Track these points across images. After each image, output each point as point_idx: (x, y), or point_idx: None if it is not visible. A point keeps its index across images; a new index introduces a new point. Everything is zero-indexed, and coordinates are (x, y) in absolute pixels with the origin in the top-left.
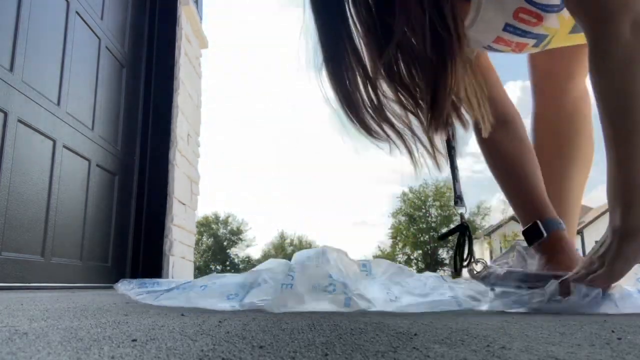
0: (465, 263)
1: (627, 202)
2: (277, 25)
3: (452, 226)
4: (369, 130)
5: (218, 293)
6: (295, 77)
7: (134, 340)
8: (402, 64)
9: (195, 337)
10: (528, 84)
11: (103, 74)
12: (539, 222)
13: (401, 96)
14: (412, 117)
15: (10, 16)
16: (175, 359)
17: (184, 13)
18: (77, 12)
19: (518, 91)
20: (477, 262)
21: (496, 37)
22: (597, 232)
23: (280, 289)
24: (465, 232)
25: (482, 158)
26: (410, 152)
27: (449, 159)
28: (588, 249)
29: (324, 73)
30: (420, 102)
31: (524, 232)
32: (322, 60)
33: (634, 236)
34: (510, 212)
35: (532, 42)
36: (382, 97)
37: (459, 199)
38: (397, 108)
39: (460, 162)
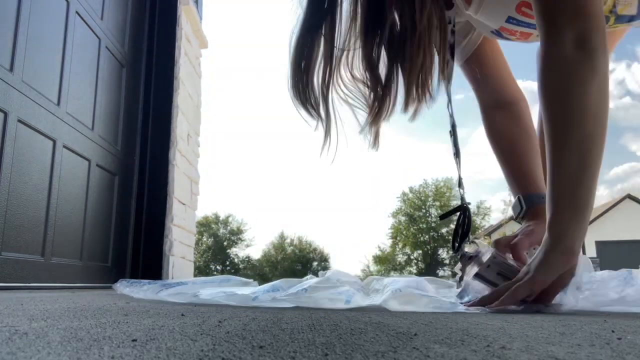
0: (465, 240)
1: (554, 209)
2: (277, 25)
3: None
4: (305, 104)
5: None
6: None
7: (134, 340)
8: (377, 45)
9: (195, 337)
10: (529, 83)
11: (103, 74)
12: (521, 196)
13: (367, 75)
14: (372, 98)
15: (10, 16)
16: (175, 359)
17: (184, 13)
18: (77, 12)
19: (522, 91)
20: (472, 242)
21: (500, 26)
22: (596, 232)
23: (392, 293)
24: (465, 212)
25: (482, 158)
26: (327, 134)
27: (453, 144)
28: (588, 249)
29: (294, 40)
30: (382, 82)
31: (512, 207)
32: (298, 29)
33: (558, 243)
34: (510, 212)
35: (535, 32)
36: (330, 83)
37: (460, 180)
38: (360, 85)
39: (461, 162)
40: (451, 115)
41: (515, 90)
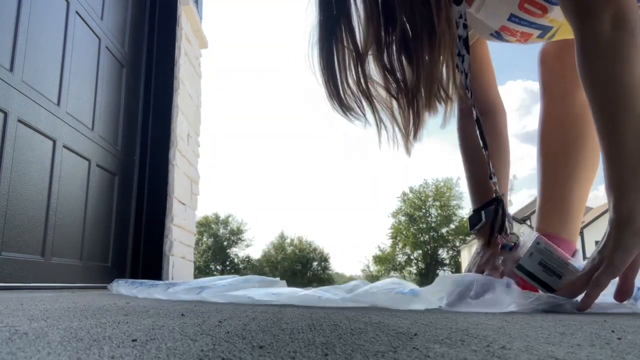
0: (502, 232)
1: (618, 191)
2: (277, 25)
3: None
4: (344, 108)
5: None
6: (296, 75)
7: (134, 340)
8: (394, 49)
9: (195, 337)
10: (529, 83)
11: (103, 74)
12: (482, 210)
13: (387, 80)
14: (393, 102)
15: (10, 16)
16: (175, 359)
17: (184, 13)
18: (77, 12)
19: (521, 92)
20: (511, 234)
21: (501, 26)
22: (597, 232)
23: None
24: (499, 204)
25: None
26: (380, 127)
27: (480, 137)
28: (588, 249)
29: (316, 50)
30: (404, 87)
31: (469, 218)
32: (317, 37)
33: (628, 224)
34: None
35: (536, 32)
36: (367, 79)
37: (492, 174)
38: (380, 91)
39: (461, 162)
40: (474, 107)
41: (496, 100)
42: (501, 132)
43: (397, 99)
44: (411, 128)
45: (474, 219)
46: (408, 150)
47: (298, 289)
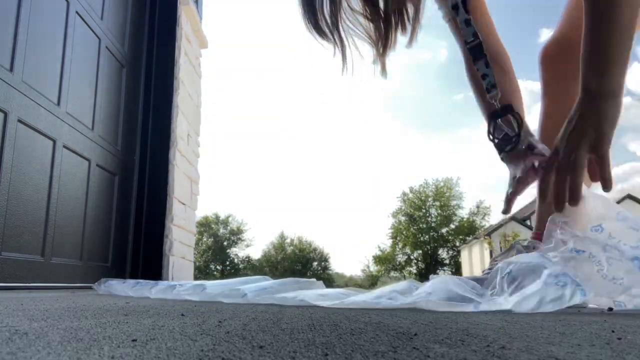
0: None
1: (601, 64)
2: (277, 25)
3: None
4: (320, 32)
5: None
6: (296, 75)
7: (134, 340)
8: None
9: (195, 337)
10: (529, 83)
11: (103, 74)
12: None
13: (366, 7)
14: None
15: (10, 16)
16: (175, 359)
17: (184, 13)
18: (77, 12)
19: (522, 91)
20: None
21: None
22: None
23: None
24: (507, 111)
25: (482, 158)
26: (344, 59)
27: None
28: None
29: None
30: (383, 15)
31: (490, 115)
32: None
33: (612, 96)
34: (512, 212)
35: None
36: (341, 8)
37: (490, 87)
38: (360, 19)
39: (461, 162)
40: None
41: (498, 45)
42: (510, 73)
43: (375, 24)
44: (382, 45)
45: (504, 141)
46: (384, 68)
47: (340, 290)
